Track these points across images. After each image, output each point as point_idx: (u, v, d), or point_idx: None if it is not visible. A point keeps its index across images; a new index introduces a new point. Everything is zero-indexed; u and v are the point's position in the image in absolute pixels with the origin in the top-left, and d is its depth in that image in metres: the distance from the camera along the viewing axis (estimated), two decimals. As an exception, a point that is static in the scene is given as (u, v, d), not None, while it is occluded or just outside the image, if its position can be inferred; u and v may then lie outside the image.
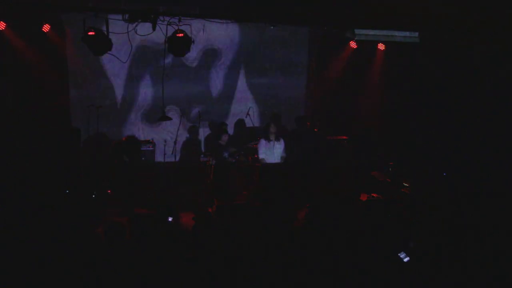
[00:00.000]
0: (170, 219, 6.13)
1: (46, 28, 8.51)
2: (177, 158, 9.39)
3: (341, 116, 10.48)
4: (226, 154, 8.05)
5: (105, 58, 8.75)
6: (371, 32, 8.89)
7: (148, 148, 8.88)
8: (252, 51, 10.11)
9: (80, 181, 7.99)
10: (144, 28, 7.11)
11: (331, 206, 5.83)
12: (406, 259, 4.47)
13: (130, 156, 7.94)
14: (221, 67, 10.01)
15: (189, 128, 9.78)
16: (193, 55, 9.33)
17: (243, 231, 5.99)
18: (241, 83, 10.23)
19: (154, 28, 6.71)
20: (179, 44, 7.00)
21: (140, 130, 9.58)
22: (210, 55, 9.85)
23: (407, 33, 8.81)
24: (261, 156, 8.29)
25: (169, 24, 6.94)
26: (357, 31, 8.81)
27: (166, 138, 9.30)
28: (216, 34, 9.70)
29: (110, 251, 4.33)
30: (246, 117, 9.83)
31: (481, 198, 7.60)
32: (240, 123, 10.16)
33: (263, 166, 8.35)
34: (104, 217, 7.53)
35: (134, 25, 6.99)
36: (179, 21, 6.95)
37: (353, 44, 9.97)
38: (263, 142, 8.32)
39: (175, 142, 9.17)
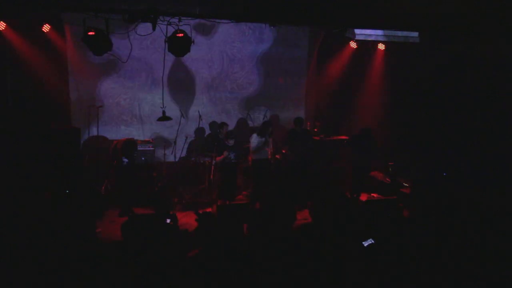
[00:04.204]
0: (168, 220, 6.11)
1: (46, 28, 8.51)
2: (177, 158, 9.40)
3: (341, 116, 10.49)
4: (232, 155, 8.09)
5: (105, 58, 8.76)
6: (371, 32, 8.89)
7: (148, 148, 8.88)
8: (252, 52, 10.14)
9: (80, 181, 8.00)
10: (144, 28, 7.12)
11: (331, 206, 5.82)
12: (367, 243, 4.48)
13: (129, 158, 7.95)
14: (222, 67, 10.03)
15: (189, 128, 9.78)
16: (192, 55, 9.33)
17: (243, 231, 6.00)
18: (241, 82, 10.25)
19: (154, 28, 6.70)
20: (179, 44, 6.99)
21: (140, 130, 9.59)
22: (211, 55, 9.89)
23: (407, 33, 8.81)
24: (252, 149, 8.39)
25: (169, 24, 6.93)
26: (357, 31, 8.81)
27: (166, 138, 9.30)
28: (217, 34, 9.75)
29: (110, 251, 4.33)
30: (246, 116, 9.83)
31: (481, 198, 7.59)
32: (239, 123, 10.17)
33: (254, 163, 8.44)
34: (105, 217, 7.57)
35: (134, 25, 6.97)
36: (179, 21, 6.94)
37: (353, 44, 9.98)
38: (255, 137, 8.38)
39: (175, 142, 9.18)
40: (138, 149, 8.55)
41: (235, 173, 8.45)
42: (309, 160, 8.85)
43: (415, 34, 8.76)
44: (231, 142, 8.14)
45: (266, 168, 8.52)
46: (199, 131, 9.86)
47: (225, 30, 9.76)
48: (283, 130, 10.23)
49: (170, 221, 5.92)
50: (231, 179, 8.26)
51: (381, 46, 9.95)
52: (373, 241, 4.50)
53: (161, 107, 7.97)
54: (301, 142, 8.67)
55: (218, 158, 8.11)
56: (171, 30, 6.97)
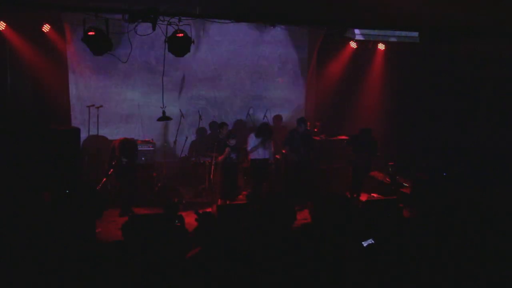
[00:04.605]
0: (176, 222, 6.11)
1: (46, 28, 8.51)
2: (177, 158, 9.40)
3: (341, 116, 10.49)
4: (233, 155, 8.10)
5: (105, 58, 8.76)
6: (371, 32, 8.90)
7: (148, 148, 8.88)
8: (252, 52, 10.14)
9: (80, 181, 8.00)
10: (144, 28, 7.12)
11: (331, 206, 5.82)
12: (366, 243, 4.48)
13: (128, 157, 7.94)
14: (222, 67, 10.03)
15: (189, 128, 9.78)
16: (192, 56, 9.32)
17: (243, 232, 5.98)
18: (241, 83, 10.25)
19: (154, 28, 6.70)
20: (179, 44, 7.00)
21: (140, 130, 9.59)
22: (211, 56, 9.89)
23: (407, 33, 8.82)
24: (249, 149, 8.38)
25: (169, 24, 6.94)
26: (357, 31, 8.82)
27: (166, 138, 9.30)
28: (216, 34, 9.75)
29: (110, 251, 4.33)
30: (246, 117, 9.83)
31: (481, 198, 7.60)
32: (239, 123, 10.17)
33: (252, 163, 8.45)
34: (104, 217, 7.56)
35: (134, 25, 6.98)
36: (179, 21, 6.95)
37: (353, 44, 9.98)
38: (252, 137, 8.38)
39: (175, 142, 9.17)
40: (138, 149, 8.55)
41: (237, 173, 8.44)
42: (309, 161, 8.85)
43: (415, 34, 8.77)
44: (232, 141, 8.13)
45: (265, 168, 8.52)
46: (200, 131, 9.86)
47: (225, 30, 9.76)
48: (283, 130, 10.24)
49: (178, 222, 5.92)
50: (232, 179, 8.25)
51: (381, 46, 9.95)
52: (372, 241, 4.50)
53: (161, 107, 7.97)
54: (302, 143, 8.68)
55: (220, 158, 8.10)
56: (171, 30, 6.97)
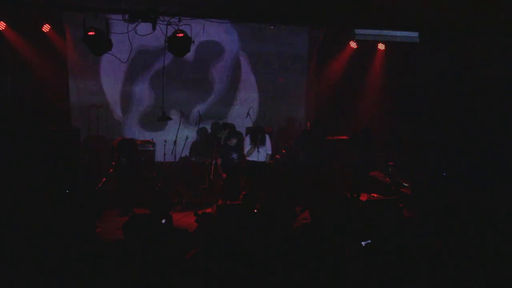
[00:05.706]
0: (163, 221, 6.07)
1: (46, 28, 8.52)
2: (177, 158, 9.40)
3: (341, 116, 10.49)
4: (235, 156, 8.06)
5: (105, 58, 8.77)
6: (371, 32, 8.90)
7: (148, 148, 8.88)
8: (252, 52, 10.14)
9: (80, 181, 8.00)
10: (144, 28, 7.12)
11: (331, 206, 5.81)
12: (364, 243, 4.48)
13: (127, 157, 7.93)
14: (222, 67, 10.04)
15: (189, 128, 9.78)
16: (192, 56, 9.32)
17: (243, 232, 5.98)
18: (241, 83, 10.25)
19: (154, 28, 6.71)
20: (179, 44, 7.01)
21: (140, 130, 9.60)
22: (210, 56, 9.90)
23: (407, 33, 8.82)
24: (245, 152, 8.34)
25: (169, 24, 6.94)
26: (357, 31, 8.82)
27: (166, 138, 9.30)
28: (216, 34, 9.76)
29: (110, 251, 4.33)
30: (246, 117, 9.82)
31: (481, 198, 7.59)
32: (239, 123, 10.16)
33: (248, 164, 8.41)
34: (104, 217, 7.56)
35: (134, 25, 6.98)
36: (179, 21, 6.95)
37: (353, 44, 9.98)
38: (248, 141, 8.33)
39: (175, 142, 9.17)
40: (139, 149, 8.54)
41: (238, 173, 8.41)
42: (319, 162, 8.83)
43: (415, 34, 8.77)
44: (233, 141, 8.10)
45: (263, 170, 8.45)
46: (200, 131, 9.85)
47: (225, 29, 9.76)
48: (282, 129, 10.25)
49: (165, 222, 5.89)
50: (234, 179, 8.22)
51: (381, 46, 9.95)
52: (370, 241, 4.50)
53: (161, 107, 7.97)
54: (313, 143, 8.67)
55: (220, 161, 8.07)
56: (171, 30, 6.98)
